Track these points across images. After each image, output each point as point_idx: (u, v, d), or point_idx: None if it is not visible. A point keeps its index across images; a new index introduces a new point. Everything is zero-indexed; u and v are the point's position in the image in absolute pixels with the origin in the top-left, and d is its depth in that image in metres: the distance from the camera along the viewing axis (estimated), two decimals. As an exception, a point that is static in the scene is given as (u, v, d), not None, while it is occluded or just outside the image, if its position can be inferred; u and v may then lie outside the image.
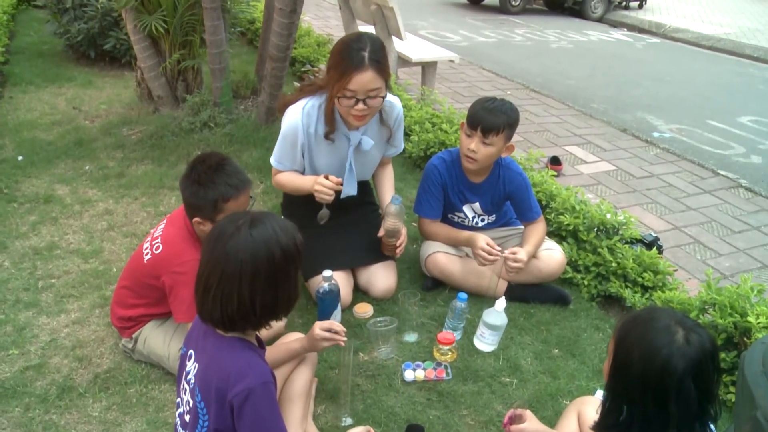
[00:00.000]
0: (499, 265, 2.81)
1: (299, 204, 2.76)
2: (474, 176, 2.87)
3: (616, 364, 1.45)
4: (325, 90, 2.53)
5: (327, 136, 2.59)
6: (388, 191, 2.91)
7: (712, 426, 1.42)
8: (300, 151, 2.63)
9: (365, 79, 2.36)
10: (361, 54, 2.34)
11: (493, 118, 2.64)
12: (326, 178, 2.52)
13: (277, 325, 2.42)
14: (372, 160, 2.81)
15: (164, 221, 2.32)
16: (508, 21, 11.69)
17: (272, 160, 2.71)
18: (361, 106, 2.43)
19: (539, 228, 2.92)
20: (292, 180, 2.69)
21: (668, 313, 1.43)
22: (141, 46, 4.48)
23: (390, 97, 2.66)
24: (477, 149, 2.69)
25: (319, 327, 2.11)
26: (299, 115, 2.55)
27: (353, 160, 2.69)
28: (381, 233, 2.74)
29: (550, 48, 9.70)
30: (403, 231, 2.77)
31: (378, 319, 2.56)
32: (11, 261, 3.00)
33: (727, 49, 10.58)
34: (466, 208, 2.98)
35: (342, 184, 2.62)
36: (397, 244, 2.75)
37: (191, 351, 1.64)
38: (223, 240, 1.48)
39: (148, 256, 2.23)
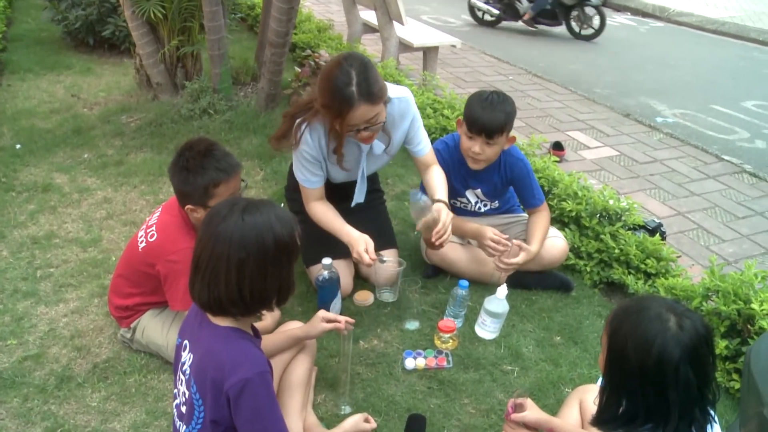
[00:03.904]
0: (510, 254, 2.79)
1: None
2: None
3: (611, 358, 1.44)
4: (323, 116, 2.41)
5: (336, 151, 2.51)
6: (438, 187, 2.67)
7: (711, 411, 1.41)
8: (320, 162, 2.55)
9: (359, 114, 2.26)
10: (349, 90, 2.21)
11: (494, 119, 2.59)
12: (367, 251, 2.45)
13: (268, 315, 2.41)
14: (381, 160, 2.76)
15: (159, 209, 2.30)
16: (510, 5, 11.58)
17: (299, 180, 2.60)
18: (364, 133, 2.37)
19: (543, 219, 2.87)
20: (330, 222, 2.59)
21: (658, 301, 1.41)
22: (139, 32, 4.44)
23: (398, 94, 2.54)
24: (482, 150, 2.67)
25: (322, 317, 2.12)
26: (307, 134, 2.46)
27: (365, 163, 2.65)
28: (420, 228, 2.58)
29: (553, 32, 9.62)
30: (443, 219, 2.51)
31: (387, 258, 2.51)
32: (9, 250, 2.98)
33: (732, 33, 10.46)
34: (468, 194, 2.95)
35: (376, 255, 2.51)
36: (433, 238, 2.51)
37: (186, 341, 1.63)
38: (216, 222, 1.47)
39: (143, 244, 2.21)
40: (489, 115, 2.59)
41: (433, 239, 2.52)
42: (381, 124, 2.40)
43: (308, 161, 2.51)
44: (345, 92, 2.21)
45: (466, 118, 2.67)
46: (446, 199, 2.62)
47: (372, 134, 2.41)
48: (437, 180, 2.70)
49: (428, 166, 2.76)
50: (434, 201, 2.59)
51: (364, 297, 2.79)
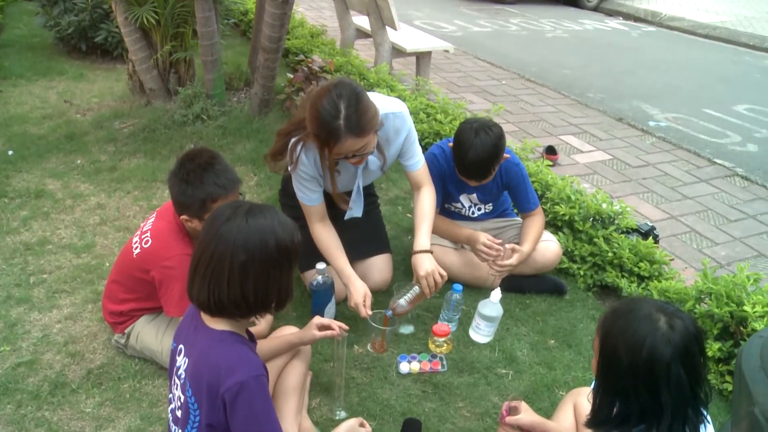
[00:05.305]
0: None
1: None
2: None
3: (603, 360, 1.44)
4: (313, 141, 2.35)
5: (330, 170, 2.44)
6: (422, 224, 2.62)
7: (704, 411, 1.42)
8: (317, 179, 2.51)
9: (346, 146, 2.20)
10: (336, 124, 2.12)
11: (485, 168, 2.62)
12: (364, 304, 2.43)
13: (263, 320, 2.41)
14: (376, 174, 2.74)
15: (154, 215, 2.30)
16: (503, 11, 11.64)
17: (300, 199, 2.57)
18: (352, 159, 2.33)
19: (537, 222, 2.89)
20: (333, 255, 2.55)
21: (648, 302, 1.42)
22: (132, 38, 4.44)
23: (393, 109, 2.50)
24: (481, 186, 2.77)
25: (317, 325, 2.12)
26: (303, 155, 2.42)
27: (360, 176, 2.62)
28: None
29: (545, 37, 9.66)
30: (424, 276, 2.48)
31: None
32: (2, 257, 2.97)
33: (723, 38, 10.55)
34: (463, 198, 2.96)
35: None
36: (429, 297, 2.56)
37: (181, 346, 1.62)
38: (218, 223, 1.47)
39: (138, 250, 2.20)
40: (480, 165, 2.61)
41: (429, 297, 2.55)
42: (370, 153, 2.37)
43: (306, 180, 2.49)
44: (332, 125, 2.13)
45: (458, 168, 2.72)
46: (428, 244, 2.57)
47: (361, 159, 2.38)
48: (423, 214, 2.65)
49: (419, 187, 2.71)
50: (414, 252, 2.55)
51: (359, 301, 2.79)
